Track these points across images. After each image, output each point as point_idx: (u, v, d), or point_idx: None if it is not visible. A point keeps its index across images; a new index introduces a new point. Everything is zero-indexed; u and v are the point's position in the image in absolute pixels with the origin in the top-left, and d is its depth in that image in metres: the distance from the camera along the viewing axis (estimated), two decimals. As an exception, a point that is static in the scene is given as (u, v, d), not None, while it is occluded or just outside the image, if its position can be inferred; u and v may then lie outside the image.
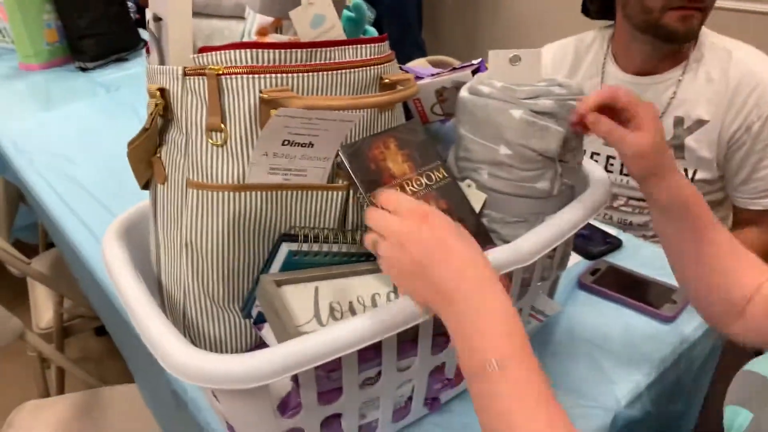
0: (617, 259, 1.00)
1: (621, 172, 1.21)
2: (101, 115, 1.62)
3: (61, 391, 1.44)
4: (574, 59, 1.27)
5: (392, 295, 0.64)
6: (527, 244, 0.63)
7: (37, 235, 1.72)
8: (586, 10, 1.24)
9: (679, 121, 1.13)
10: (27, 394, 1.29)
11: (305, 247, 0.63)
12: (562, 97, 0.68)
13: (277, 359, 0.51)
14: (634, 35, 1.13)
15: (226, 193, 0.62)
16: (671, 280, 0.92)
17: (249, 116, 0.61)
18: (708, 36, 1.14)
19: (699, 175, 1.15)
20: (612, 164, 1.22)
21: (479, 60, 0.83)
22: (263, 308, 0.62)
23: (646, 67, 1.16)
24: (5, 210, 1.48)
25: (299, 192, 0.65)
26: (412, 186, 0.67)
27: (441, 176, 0.70)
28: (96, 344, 1.93)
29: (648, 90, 1.16)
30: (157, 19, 0.65)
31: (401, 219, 0.52)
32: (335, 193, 0.67)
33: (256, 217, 0.64)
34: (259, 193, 0.63)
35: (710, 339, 0.89)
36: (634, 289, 0.92)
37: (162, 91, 0.62)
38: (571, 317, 0.89)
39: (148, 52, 0.68)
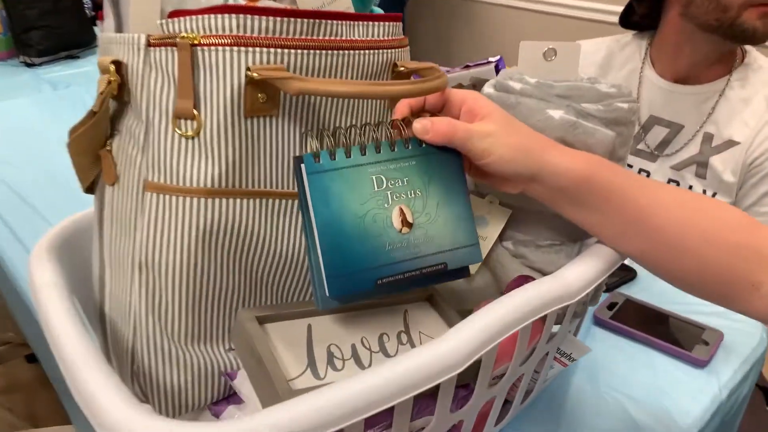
0: (632, 291, 0.89)
1: None
2: (45, 114, 1.45)
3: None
4: (605, 57, 1.19)
5: (403, 336, 0.51)
6: (574, 275, 0.51)
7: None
8: (625, 20, 1.17)
9: (707, 138, 1.05)
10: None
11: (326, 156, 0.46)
12: (610, 96, 0.57)
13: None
14: (690, 36, 1.04)
15: (196, 199, 0.48)
16: (696, 317, 0.82)
17: (230, 101, 0.47)
18: (757, 59, 1.08)
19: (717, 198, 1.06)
20: None
21: (497, 57, 0.71)
22: (239, 352, 0.48)
23: (690, 74, 1.08)
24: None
25: (290, 201, 0.52)
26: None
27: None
28: (26, 372, 1.72)
29: (686, 100, 1.08)
30: (114, -25, 0.51)
31: None
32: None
33: (236, 231, 0.50)
34: (239, 200, 0.49)
35: (747, 384, 0.78)
36: (658, 327, 0.81)
37: (117, 65, 0.48)
38: (590, 359, 0.77)
39: (101, 18, 0.53)
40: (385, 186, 0.46)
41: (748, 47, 1.08)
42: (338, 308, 0.51)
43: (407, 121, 0.49)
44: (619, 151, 0.58)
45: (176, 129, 0.47)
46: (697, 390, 0.72)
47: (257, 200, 0.50)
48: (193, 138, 0.47)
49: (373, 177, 0.46)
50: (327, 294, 0.45)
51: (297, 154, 0.51)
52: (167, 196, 0.48)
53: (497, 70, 0.68)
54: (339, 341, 0.48)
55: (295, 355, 0.46)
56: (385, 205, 0.46)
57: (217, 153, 0.47)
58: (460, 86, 0.67)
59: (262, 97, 0.47)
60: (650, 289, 0.90)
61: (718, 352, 0.78)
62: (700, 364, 0.76)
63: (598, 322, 0.83)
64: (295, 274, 0.54)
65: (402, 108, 0.49)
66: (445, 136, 0.47)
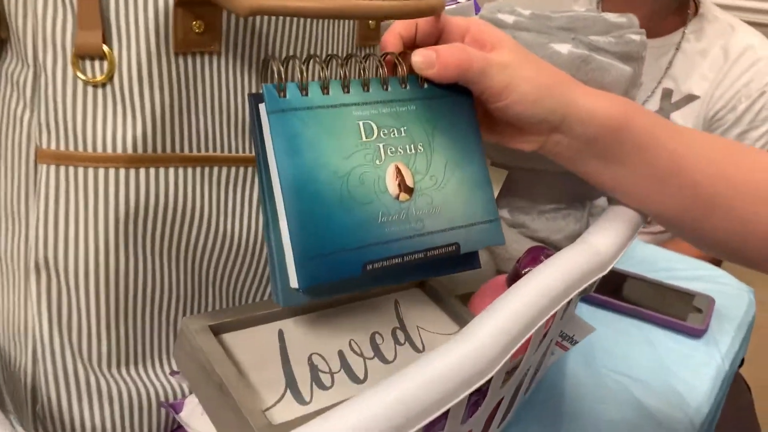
0: (609, 260, 0.82)
1: None
2: None
3: None
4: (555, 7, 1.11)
5: (399, 333, 0.40)
6: (604, 242, 0.41)
7: None
8: None
9: (667, 94, 1.00)
10: None
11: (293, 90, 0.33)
12: (620, 26, 0.47)
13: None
14: None
15: (112, 170, 0.35)
16: (679, 282, 0.76)
17: (154, 31, 0.34)
18: (711, 9, 1.02)
19: None
20: None
21: (468, -6, 0.60)
22: (187, 375, 0.35)
23: (645, 26, 1.00)
24: None
25: (241, 168, 0.39)
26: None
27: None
28: None
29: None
30: None
31: None
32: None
33: (170, 212, 0.37)
34: (172, 169, 0.36)
35: (742, 350, 0.72)
36: (646, 297, 0.73)
37: (-17, -13, 0.34)
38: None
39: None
40: (376, 136, 0.35)
41: None
42: (309, 305, 0.39)
43: (403, 55, 0.37)
44: (630, 91, 0.49)
45: (78, 73, 0.34)
46: (700, 363, 0.66)
47: (197, 169, 0.37)
48: (103, 85, 0.34)
49: (360, 123, 0.34)
50: (295, 285, 0.33)
51: (247, 102, 0.38)
52: (71, 169, 0.34)
53: (477, 8, 0.58)
54: (322, 348, 0.36)
55: (269, 373, 0.34)
56: (377, 162, 0.34)
57: (139, 105, 0.34)
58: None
59: (197, 25, 0.35)
60: (628, 258, 0.83)
61: (712, 319, 0.72)
62: (697, 333, 0.69)
63: (583, 296, 0.75)
64: (251, 265, 0.42)
65: (392, 39, 0.38)
66: (458, 68, 0.35)
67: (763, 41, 1.00)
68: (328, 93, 0.34)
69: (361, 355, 0.37)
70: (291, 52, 0.39)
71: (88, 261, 0.35)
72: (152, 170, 0.35)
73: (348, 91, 0.35)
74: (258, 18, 0.36)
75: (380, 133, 0.35)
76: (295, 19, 0.38)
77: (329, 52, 0.41)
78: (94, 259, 0.35)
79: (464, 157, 0.37)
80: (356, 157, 0.34)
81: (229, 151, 0.38)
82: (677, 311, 0.71)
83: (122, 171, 0.35)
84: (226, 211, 0.39)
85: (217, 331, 0.34)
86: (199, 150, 0.37)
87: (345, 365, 0.36)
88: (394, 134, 0.35)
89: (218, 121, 0.37)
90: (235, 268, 0.41)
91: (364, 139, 0.34)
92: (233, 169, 0.39)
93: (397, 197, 0.35)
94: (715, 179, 0.42)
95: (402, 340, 0.39)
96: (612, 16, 0.48)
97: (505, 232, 0.50)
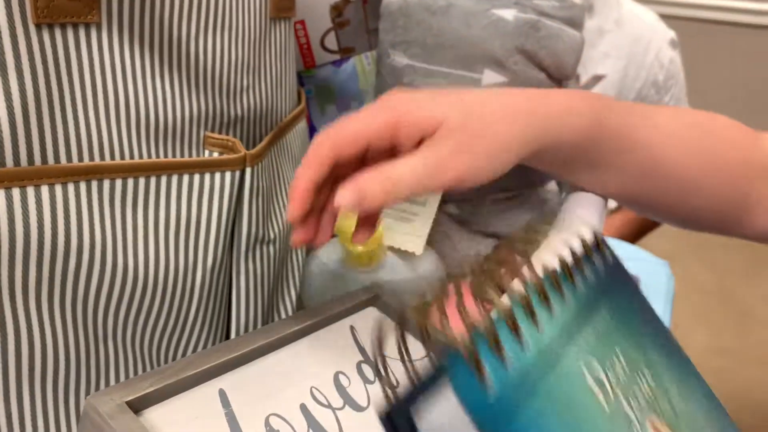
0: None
1: None
2: None
3: None
4: None
5: (366, 368, 0.32)
6: (587, 232, 0.36)
7: None
8: None
9: (575, 78, 0.98)
10: None
11: None
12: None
13: None
14: None
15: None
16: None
17: (1, -10, 0.24)
18: None
19: None
20: None
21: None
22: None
23: None
24: None
25: (139, 180, 0.29)
26: None
27: None
28: None
29: None
30: None
31: None
32: (217, 174, 0.32)
33: (47, 245, 0.26)
34: (46, 188, 0.26)
35: (669, 326, 0.72)
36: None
37: None
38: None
39: None
40: (611, 388, 0.20)
41: None
42: (252, 351, 0.30)
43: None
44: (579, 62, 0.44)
45: None
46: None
47: (80, 184, 0.27)
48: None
49: (584, 367, 0.20)
50: None
51: (151, 101, 0.28)
52: None
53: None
54: (279, 405, 0.28)
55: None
56: None
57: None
58: (344, 3, 0.47)
59: None
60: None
61: (639, 297, 0.70)
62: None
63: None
64: (162, 307, 0.32)
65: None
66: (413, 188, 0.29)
67: (647, 12, 1.02)
68: (541, 331, 0.19)
69: (329, 405, 0.29)
70: (191, 24, 0.29)
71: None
72: (16, 191, 0.25)
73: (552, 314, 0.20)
74: (149, -25, 0.27)
75: (608, 379, 0.20)
76: (195, -21, 0.29)
77: (237, 25, 0.32)
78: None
79: (678, 367, 0.25)
80: None
81: (121, 156, 0.29)
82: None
83: (-30, 196, 0.24)
84: (124, 239, 0.29)
85: (138, 406, 0.25)
86: (80, 158, 0.27)
87: (313, 423, 0.28)
88: (617, 367, 0.21)
89: (103, 115, 0.28)
90: (141, 314, 0.31)
91: (605, 406, 0.19)
92: (130, 182, 0.29)
93: None
94: (689, 159, 0.39)
95: (371, 378, 0.31)
96: (552, -22, 0.43)
97: (454, 230, 0.44)
